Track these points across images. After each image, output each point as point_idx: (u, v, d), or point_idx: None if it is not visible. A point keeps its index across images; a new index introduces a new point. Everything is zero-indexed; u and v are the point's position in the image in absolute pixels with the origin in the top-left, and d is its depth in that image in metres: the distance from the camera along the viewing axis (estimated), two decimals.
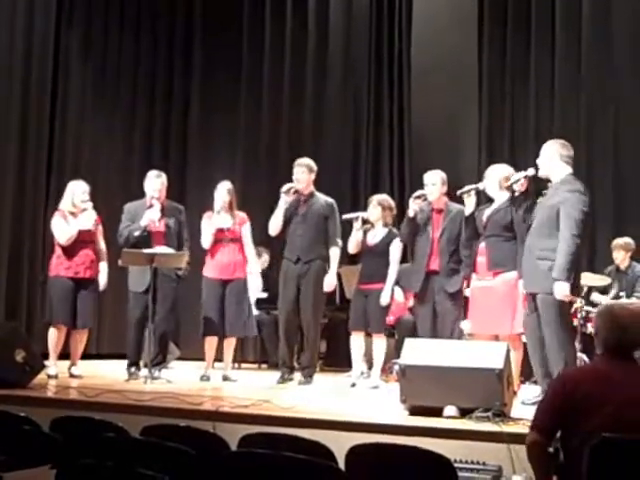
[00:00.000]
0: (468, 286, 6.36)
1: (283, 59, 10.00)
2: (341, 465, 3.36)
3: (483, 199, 6.50)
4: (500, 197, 6.09)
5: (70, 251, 7.03)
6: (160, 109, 10.21)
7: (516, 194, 5.84)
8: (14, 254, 8.80)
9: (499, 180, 6.08)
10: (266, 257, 8.68)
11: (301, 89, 9.94)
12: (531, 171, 5.75)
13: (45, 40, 9.24)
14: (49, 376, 6.76)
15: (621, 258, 7.87)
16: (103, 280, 7.19)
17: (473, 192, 6.22)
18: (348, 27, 9.92)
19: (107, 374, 7.39)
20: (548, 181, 5.68)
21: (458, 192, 6.34)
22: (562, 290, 5.26)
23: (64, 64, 9.48)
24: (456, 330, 6.39)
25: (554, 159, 5.58)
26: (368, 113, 9.74)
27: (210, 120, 10.15)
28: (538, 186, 5.92)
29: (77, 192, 7.14)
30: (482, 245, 6.06)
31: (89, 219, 7.12)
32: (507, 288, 5.88)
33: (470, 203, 6.21)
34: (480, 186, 6.24)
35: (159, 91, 10.21)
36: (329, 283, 7.01)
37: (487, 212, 6.11)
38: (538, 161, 5.68)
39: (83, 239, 7.07)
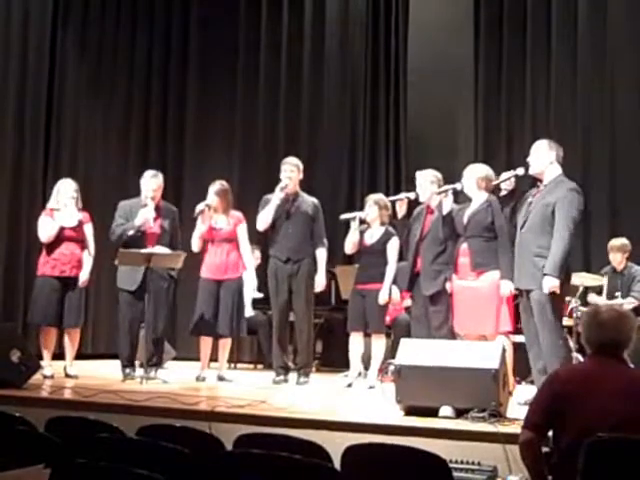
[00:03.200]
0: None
1: (279, 61, 9.99)
2: (337, 465, 3.37)
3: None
4: (478, 197, 6.13)
5: (55, 250, 6.98)
6: (156, 108, 10.19)
7: (503, 193, 5.86)
8: (10, 254, 8.79)
9: (477, 180, 6.11)
10: (258, 254, 8.66)
11: (298, 90, 9.94)
12: (520, 170, 5.78)
13: (41, 39, 9.23)
14: (45, 376, 6.75)
15: (618, 260, 7.86)
16: (84, 276, 7.05)
17: (450, 192, 6.27)
18: (345, 29, 9.91)
19: (103, 374, 7.37)
20: (536, 180, 5.71)
21: (435, 192, 6.39)
22: (551, 285, 5.32)
23: (60, 63, 9.47)
24: (443, 332, 6.34)
25: (547, 158, 5.61)
26: (364, 113, 9.73)
27: (206, 119, 10.14)
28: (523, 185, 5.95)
29: (63, 190, 7.10)
30: (464, 246, 6.09)
31: (72, 217, 7.06)
32: (491, 287, 5.92)
33: (447, 203, 6.26)
34: (458, 186, 6.25)
35: (155, 90, 10.19)
36: (320, 283, 7.03)
37: (467, 212, 6.14)
38: (529, 159, 5.70)
39: (68, 237, 7.02)
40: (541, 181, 5.66)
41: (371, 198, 7.14)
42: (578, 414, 3.28)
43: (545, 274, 5.34)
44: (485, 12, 9.26)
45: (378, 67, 9.72)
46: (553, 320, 5.40)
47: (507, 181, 5.84)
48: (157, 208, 7.09)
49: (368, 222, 7.04)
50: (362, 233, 7.04)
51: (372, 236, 7.03)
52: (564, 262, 5.36)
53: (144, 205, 7.02)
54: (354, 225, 7.00)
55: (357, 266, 7.25)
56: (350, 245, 7.04)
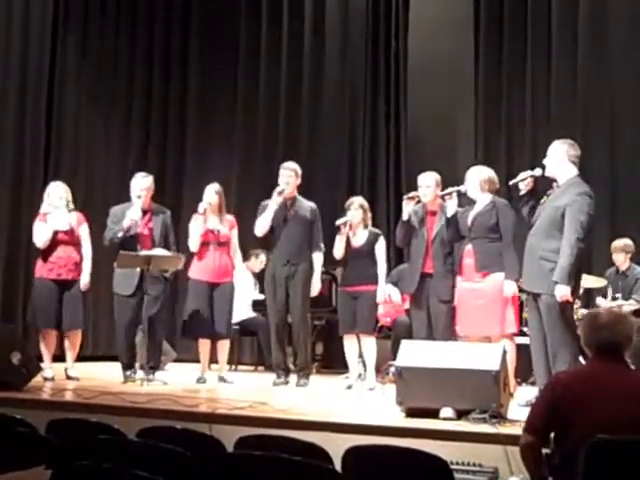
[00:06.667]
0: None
1: (280, 61, 10.00)
2: (337, 467, 3.36)
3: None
4: (482, 199, 6.14)
5: (52, 253, 6.98)
6: (156, 111, 10.20)
7: (522, 193, 5.85)
8: (10, 256, 8.79)
9: (480, 182, 6.12)
10: (263, 258, 8.68)
11: (297, 90, 9.94)
12: (538, 171, 5.74)
13: (41, 43, 9.24)
14: (45, 378, 6.75)
15: (621, 260, 7.85)
16: (85, 280, 7.08)
17: (454, 194, 6.28)
18: (345, 29, 9.92)
19: (103, 376, 7.37)
20: (553, 181, 5.69)
21: (440, 193, 6.41)
22: (563, 293, 5.30)
23: (60, 67, 9.47)
24: (449, 334, 6.35)
25: (562, 159, 5.58)
26: (364, 114, 9.73)
27: (206, 122, 10.15)
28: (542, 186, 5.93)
29: (52, 193, 7.10)
30: (468, 247, 6.11)
31: (65, 220, 7.04)
32: (496, 289, 5.93)
33: (452, 205, 6.27)
34: (462, 188, 6.27)
35: (155, 92, 10.21)
36: (315, 288, 7.02)
37: (471, 214, 6.15)
38: (545, 161, 5.68)
39: (64, 240, 7.02)
40: (557, 182, 5.65)
41: (356, 201, 7.13)
42: (582, 417, 3.27)
43: (555, 282, 5.33)
44: (485, 13, 9.26)
45: (378, 68, 9.73)
46: (561, 323, 5.36)
47: (524, 181, 5.82)
48: (146, 210, 7.05)
49: (352, 225, 7.02)
50: (347, 236, 7.02)
51: (358, 239, 7.03)
52: (573, 268, 5.31)
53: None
54: (345, 229, 6.99)
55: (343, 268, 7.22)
56: (340, 250, 7.01)
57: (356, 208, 7.03)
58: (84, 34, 9.73)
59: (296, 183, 7.11)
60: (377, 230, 7.15)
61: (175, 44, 10.29)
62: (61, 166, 9.36)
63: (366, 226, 7.07)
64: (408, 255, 6.88)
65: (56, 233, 7.00)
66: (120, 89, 9.99)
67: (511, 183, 5.96)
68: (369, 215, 7.14)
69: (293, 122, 9.91)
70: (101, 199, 8.95)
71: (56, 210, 7.04)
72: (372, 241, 6.99)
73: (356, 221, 7.01)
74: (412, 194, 6.69)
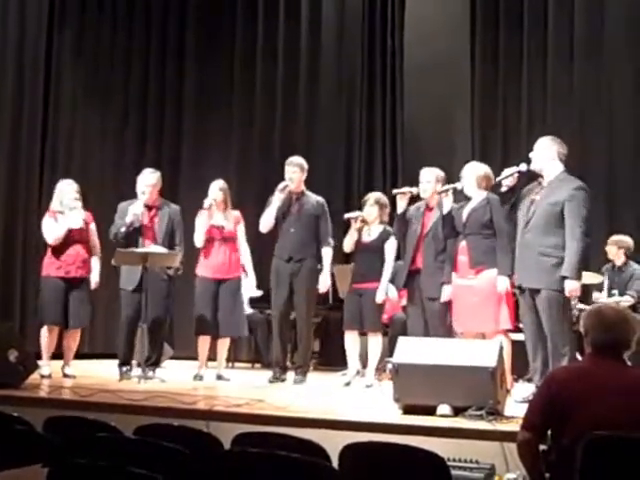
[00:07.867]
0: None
1: (276, 59, 9.99)
2: (334, 464, 3.37)
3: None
4: (477, 195, 6.15)
5: (61, 251, 6.98)
6: (153, 108, 10.18)
7: (504, 189, 5.86)
8: (7, 254, 8.78)
9: (476, 178, 6.14)
10: None
11: (294, 88, 9.93)
12: (523, 166, 5.77)
13: (37, 39, 9.22)
14: (42, 376, 6.74)
15: (613, 253, 7.87)
16: (95, 278, 7.14)
17: (450, 191, 6.30)
18: (341, 27, 9.91)
19: (100, 374, 7.36)
20: (537, 176, 5.71)
21: (436, 191, 6.42)
22: (572, 287, 5.36)
23: (56, 63, 9.46)
24: (441, 331, 6.35)
25: (552, 157, 5.61)
26: (361, 112, 9.74)
27: (203, 119, 10.13)
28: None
29: (65, 191, 7.10)
30: (462, 244, 6.11)
31: (78, 218, 7.07)
32: (490, 285, 5.94)
33: (447, 202, 6.29)
34: (458, 185, 6.29)
35: (152, 89, 10.18)
36: (324, 283, 7.01)
37: (466, 210, 6.16)
38: (532, 155, 5.69)
39: (73, 238, 7.02)
40: (542, 177, 5.67)
41: (372, 197, 7.12)
42: (580, 413, 3.26)
43: (564, 277, 5.35)
44: (481, 9, 9.26)
45: (374, 64, 9.73)
46: (562, 318, 5.41)
47: (510, 178, 5.83)
48: (152, 205, 7.08)
49: (367, 221, 7.03)
50: (359, 232, 7.04)
51: (370, 234, 7.03)
52: (581, 263, 5.39)
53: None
54: (355, 225, 7.00)
55: (353, 264, 7.24)
56: (349, 244, 7.03)
57: (372, 204, 7.01)
58: (80, 28, 9.71)
59: (301, 178, 7.09)
60: (390, 228, 7.08)
61: (172, 40, 10.25)
62: (57, 164, 9.35)
63: (381, 222, 7.04)
64: (404, 251, 6.90)
65: (69, 231, 7.01)
66: (116, 86, 9.96)
67: (497, 180, 5.98)
68: (387, 210, 7.07)
69: (290, 120, 9.90)
70: (97, 196, 8.93)
71: (72, 211, 7.04)
72: (383, 238, 6.97)
73: (372, 218, 6.99)
74: (403, 189, 6.72)
